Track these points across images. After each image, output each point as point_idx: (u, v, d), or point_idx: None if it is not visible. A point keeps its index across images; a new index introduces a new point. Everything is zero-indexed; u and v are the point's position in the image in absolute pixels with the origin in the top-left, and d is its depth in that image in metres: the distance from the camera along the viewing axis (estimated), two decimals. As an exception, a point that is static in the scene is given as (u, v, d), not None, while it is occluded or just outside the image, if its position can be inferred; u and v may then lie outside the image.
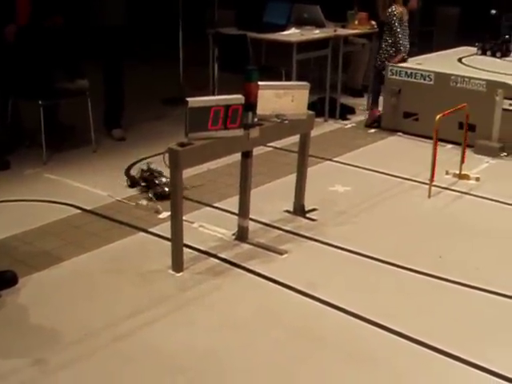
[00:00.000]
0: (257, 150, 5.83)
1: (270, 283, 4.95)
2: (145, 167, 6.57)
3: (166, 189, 6.10)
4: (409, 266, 5.23)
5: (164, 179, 6.28)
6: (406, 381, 3.96)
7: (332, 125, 9.19)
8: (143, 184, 6.46)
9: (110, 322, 4.39)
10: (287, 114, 5.39)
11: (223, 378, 3.91)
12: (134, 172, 6.82)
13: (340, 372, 4.00)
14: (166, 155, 4.85)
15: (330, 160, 7.66)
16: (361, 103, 10.22)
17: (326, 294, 4.79)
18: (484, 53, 9.93)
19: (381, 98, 9.29)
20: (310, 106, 5.84)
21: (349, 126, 9.25)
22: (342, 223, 5.95)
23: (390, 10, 8.99)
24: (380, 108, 9.25)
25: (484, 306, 4.78)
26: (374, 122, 9.06)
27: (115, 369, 3.97)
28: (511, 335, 4.44)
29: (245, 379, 3.90)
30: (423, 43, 12.13)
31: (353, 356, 4.16)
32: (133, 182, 6.63)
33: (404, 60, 9.03)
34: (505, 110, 8.18)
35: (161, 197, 6.19)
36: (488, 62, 9.38)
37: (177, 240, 5.04)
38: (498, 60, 9.66)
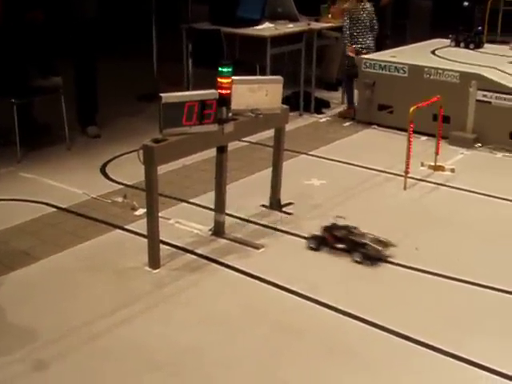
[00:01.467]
0: (232, 145, 5.83)
1: (248, 278, 4.95)
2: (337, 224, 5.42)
3: (379, 247, 5.18)
4: (386, 258, 5.24)
5: (370, 237, 5.26)
6: (384, 372, 3.97)
7: (307, 119, 9.19)
8: (340, 246, 5.26)
9: (88, 320, 4.37)
10: (261, 108, 5.39)
11: (202, 374, 3.91)
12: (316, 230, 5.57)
13: (320, 365, 4.01)
14: (141, 152, 4.82)
15: (306, 154, 7.67)
16: (335, 97, 10.23)
17: (303, 288, 4.79)
18: (457, 44, 9.99)
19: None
20: (285, 101, 5.85)
21: (324, 119, 9.27)
22: (318, 217, 5.95)
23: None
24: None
25: (461, 296, 4.82)
26: (348, 117, 9.13)
27: (94, 366, 3.95)
28: (489, 325, 4.47)
29: (224, 374, 3.90)
30: (397, 36, 12.16)
31: (332, 349, 4.17)
32: (320, 243, 5.37)
33: (359, 52, 9.07)
34: (478, 101, 8.24)
35: (375, 259, 5.17)
36: (461, 53, 9.44)
37: (153, 237, 5.02)
38: (471, 51, 9.72)
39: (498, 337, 4.33)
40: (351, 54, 9.09)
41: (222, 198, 5.47)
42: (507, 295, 4.81)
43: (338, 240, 5.27)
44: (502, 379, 3.91)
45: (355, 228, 5.33)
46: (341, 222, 5.38)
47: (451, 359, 4.09)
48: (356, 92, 9.25)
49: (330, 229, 5.36)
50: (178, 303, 4.62)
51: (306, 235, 5.46)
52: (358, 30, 9.14)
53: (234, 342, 4.21)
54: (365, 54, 9.09)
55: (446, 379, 3.92)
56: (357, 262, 5.13)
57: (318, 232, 5.41)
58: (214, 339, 4.23)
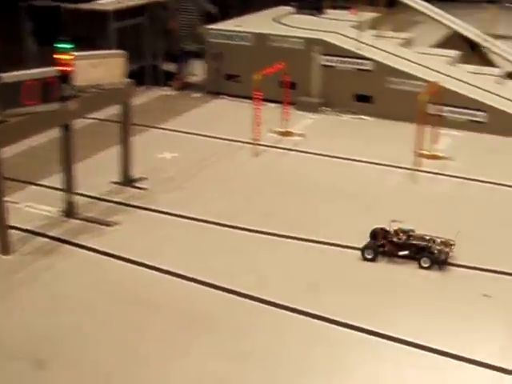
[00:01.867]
0: (80, 123, 5.71)
1: (103, 256, 4.88)
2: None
3: (448, 251, 4.92)
4: (239, 225, 5.31)
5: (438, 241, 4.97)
6: (245, 335, 4.03)
7: (156, 92, 9.10)
8: (404, 253, 4.91)
9: None
10: (105, 83, 5.31)
11: (64, 359, 3.83)
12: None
13: (181, 337, 4.02)
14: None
15: (156, 127, 7.61)
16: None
17: (159, 261, 4.77)
18: (300, 11, 10.17)
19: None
20: (132, 75, 5.77)
21: (172, 92, 9.21)
22: (171, 190, 5.94)
23: None
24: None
25: (313, 256, 4.95)
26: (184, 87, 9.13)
27: None
28: (341, 283, 4.62)
29: (84, 357, 3.84)
30: (242, 5, 12.20)
31: (190, 317, 4.19)
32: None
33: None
34: (323, 66, 8.43)
35: (444, 263, 4.92)
36: (305, 20, 9.62)
37: (1, 222, 4.85)
38: (314, 18, 9.93)
39: (346, 293, 4.48)
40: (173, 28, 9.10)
41: (70, 177, 5.35)
42: (351, 251, 4.98)
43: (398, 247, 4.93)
44: (355, 331, 4.07)
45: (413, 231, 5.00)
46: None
47: (308, 318, 4.21)
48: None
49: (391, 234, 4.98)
50: (33, 288, 4.50)
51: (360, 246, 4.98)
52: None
53: (93, 322, 4.15)
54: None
55: (306, 338, 4.03)
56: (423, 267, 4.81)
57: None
58: (72, 321, 4.15)
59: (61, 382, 3.65)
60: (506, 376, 3.79)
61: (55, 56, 4.93)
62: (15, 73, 4.82)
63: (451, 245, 4.89)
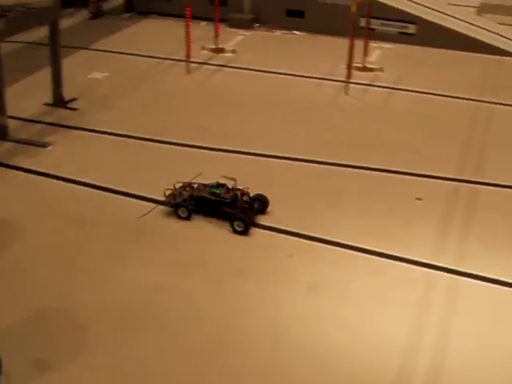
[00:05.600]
0: (9, 46, 5.62)
1: (39, 176, 4.89)
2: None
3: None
4: (174, 141, 5.35)
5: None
6: (178, 245, 4.12)
7: (84, 14, 8.92)
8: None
9: None
10: (32, 1, 5.21)
11: (2, 273, 3.86)
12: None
13: (117, 247, 4.12)
14: None
15: (86, 48, 7.51)
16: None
17: (95, 178, 4.82)
18: None
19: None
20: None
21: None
22: (103, 109, 5.92)
23: None
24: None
25: (246, 166, 5.05)
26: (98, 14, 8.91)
27: None
28: (273, 190, 4.70)
29: (24, 270, 3.89)
30: None
31: (128, 230, 4.30)
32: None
33: None
34: (253, -19, 8.35)
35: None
36: None
37: None
38: None
39: (283, 201, 4.59)
40: None
41: (1, 100, 5.28)
42: (287, 161, 5.09)
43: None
44: (291, 237, 4.19)
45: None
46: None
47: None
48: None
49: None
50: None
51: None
52: None
53: (31, 240, 4.19)
54: None
55: (240, 245, 4.12)
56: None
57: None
58: (12, 240, 4.18)
59: (10, 292, 3.68)
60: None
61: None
62: None
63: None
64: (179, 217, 4.40)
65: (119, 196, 4.64)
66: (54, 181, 4.84)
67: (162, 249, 4.09)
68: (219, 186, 4.47)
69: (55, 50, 5.63)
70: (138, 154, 5.20)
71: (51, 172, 4.92)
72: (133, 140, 5.40)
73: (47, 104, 5.90)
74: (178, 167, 5.01)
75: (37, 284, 3.78)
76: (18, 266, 3.93)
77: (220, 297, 3.67)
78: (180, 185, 4.47)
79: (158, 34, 8.02)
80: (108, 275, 3.86)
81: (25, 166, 5.00)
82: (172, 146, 5.32)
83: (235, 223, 4.24)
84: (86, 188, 4.74)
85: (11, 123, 5.45)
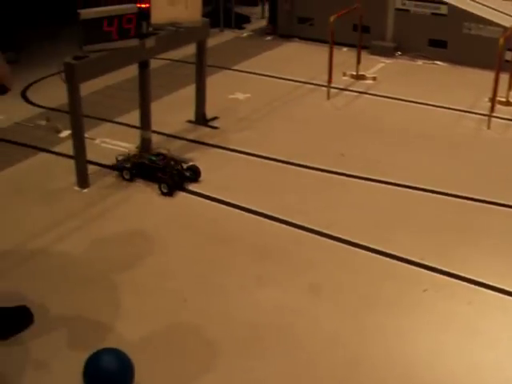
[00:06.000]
0: (154, 63, 5.79)
1: (178, 192, 4.98)
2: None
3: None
4: (312, 165, 5.35)
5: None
6: (313, 270, 4.09)
7: (228, 34, 9.15)
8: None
9: (23, 240, 4.36)
10: (182, 21, 5.35)
11: (138, 285, 3.95)
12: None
13: (254, 269, 4.10)
14: (63, 73, 4.73)
15: (229, 69, 7.66)
16: (255, 12, 10.17)
17: (233, 197, 4.86)
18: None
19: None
20: (205, 17, 5.79)
21: (245, 34, 9.23)
22: (244, 129, 6.01)
23: None
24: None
25: (385, 197, 4.97)
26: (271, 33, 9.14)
27: (31, 284, 3.96)
28: (410, 222, 4.63)
29: (160, 283, 3.96)
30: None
31: (263, 251, 4.27)
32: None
33: None
34: (398, 9, 8.32)
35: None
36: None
37: (80, 156, 4.99)
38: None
39: (419, 232, 4.50)
40: None
41: (147, 114, 5.44)
42: (427, 193, 4.98)
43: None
44: (426, 271, 4.09)
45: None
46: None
47: (378, 255, 4.24)
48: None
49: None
50: (110, 219, 4.64)
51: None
52: None
53: (168, 253, 4.26)
54: None
55: (374, 274, 4.07)
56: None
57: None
58: (149, 252, 4.28)
59: (138, 305, 3.76)
60: None
61: (135, -8, 4.97)
62: (94, 9, 4.88)
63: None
64: (123, 178, 5.08)
65: (256, 216, 4.67)
66: (193, 196, 4.92)
67: (296, 272, 4.08)
68: (158, 154, 5.13)
69: (201, 68, 5.76)
70: (275, 176, 5.23)
71: (190, 188, 5.00)
72: (271, 162, 5.43)
73: (189, 121, 6.03)
74: (315, 191, 5.00)
75: (170, 297, 3.84)
76: (151, 279, 3.99)
77: (353, 324, 3.62)
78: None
79: (299, 58, 8.08)
80: (241, 294, 3.88)
81: (165, 181, 5.08)
82: (309, 170, 5.32)
83: (162, 185, 4.88)
84: (223, 206, 4.79)
85: (154, 138, 5.59)
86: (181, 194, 4.94)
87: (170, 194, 4.90)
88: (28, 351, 3.44)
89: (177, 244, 4.36)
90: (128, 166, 5.15)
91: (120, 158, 5.25)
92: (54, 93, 6.00)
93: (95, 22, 4.75)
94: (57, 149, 5.65)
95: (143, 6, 5.00)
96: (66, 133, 5.82)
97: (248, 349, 3.45)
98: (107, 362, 3.10)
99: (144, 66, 5.29)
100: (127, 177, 5.12)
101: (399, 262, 4.18)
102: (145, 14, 5.03)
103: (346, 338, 3.52)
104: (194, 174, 5.13)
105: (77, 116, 4.86)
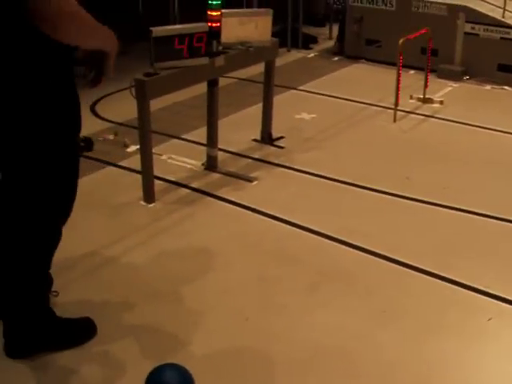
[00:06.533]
0: (222, 81, 5.83)
1: (242, 209, 5.01)
2: None
3: None
4: (377, 188, 5.33)
5: None
6: (375, 295, 4.06)
7: (295, 54, 9.20)
8: None
9: (89, 252, 4.43)
10: (251, 41, 5.40)
11: (200, 300, 3.98)
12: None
13: (316, 289, 4.10)
14: (133, 88, 4.81)
15: (295, 89, 7.69)
16: (322, 32, 10.20)
17: (296, 217, 4.87)
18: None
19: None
20: (273, 36, 5.84)
21: (312, 54, 9.27)
22: (309, 149, 6.02)
23: None
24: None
25: (450, 222, 4.91)
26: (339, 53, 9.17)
27: (97, 296, 4.02)
28: (475, 248, 4.57)
29: (222, 300, 3.99)
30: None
31: (326, 273, 4.26)
32: None
33: None
34: (466, 33, 8.25)
35: None
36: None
37: (147, 171, 5.07)
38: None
39: (484, 259, 4.43)
40: None
41: (214, 131, 5.51)
42: (493, 220, 4.91)
43: None
44: (490, 299, 4.03)
45: None
46: None
47: (439, 280, 4.19)
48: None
49: None
50: (174, 235, 4.69)
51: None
52: None
53: (231, 271, 4.29)
54: None
55: (437, 300, 4.02)
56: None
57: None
58: (211, 268, 4.31)
59: (200, 322, 3.79)
60: None
61: (207, 12, 5.03)
62: (166, 27, 4.97)
63: None
64: None
65: (319, 237, 4.67)
66: (257, 215, 4.94)
67: (358, 295, 4.06)
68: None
69: (269, 88, 5.80)
70: (340, 197, 5.23)
71: (254, 206, 5.03)
72: (335, 183, 5.43)
73: (255, 140, 6.07)
74: (378, 214, 4.98)
75: (231, 315, 3.86)
76: (214, 296, 4.02)
77: (415, 351, 3.58)
78: None
79: (365, 80, 8.08)
80: (302, 314, 3.88)
81: (230, 198, 5.14)
82: (373, 193, 5.29)
83: None
84: (287, 226, 4.80)
85: (220, 156, 5.65)
86: (245, 213, 4.96)
87: None
88: (90, 363, 3.49)
89: (240, 262, 4.38)
90: None
91: None
92: (122, 108, 6.12)
93: (166, 39, 4.82)
94: (124, 163, 5.74)
95: (214, 25, 5.06)
96: (133, 148, 5.92)
97: (307, 370, 3.45)
98: (169, 377, 3.13)
99: (213, 84, 5.36)
100: None
101: (463, 289, 4.12)
102: (215, 33, 5.09)
103: (407, 365, 3.49)
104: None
105: (145, 132, 4.94)
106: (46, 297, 3.58)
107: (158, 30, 4.79)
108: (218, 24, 5.09)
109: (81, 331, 3.69)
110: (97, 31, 3.02)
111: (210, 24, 5.04)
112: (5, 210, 3.30)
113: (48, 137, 3.14)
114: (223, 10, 5.12)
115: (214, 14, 5.06)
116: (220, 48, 5.22)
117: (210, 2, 5.04)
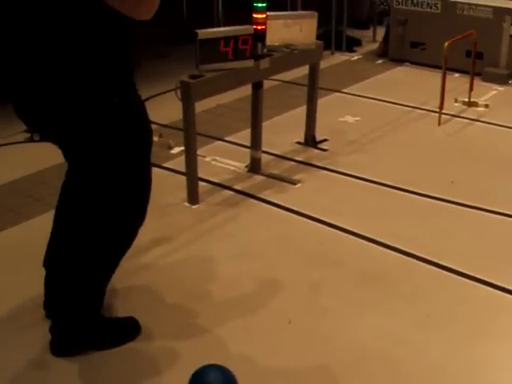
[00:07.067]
0: (265, 84, 5.83)
1: (285, 212, 5.01)
2: None
3: None
4: (421, 192, 5.29)
5: None
6: (420, 299, 4.04)
7: (339, 57, 9.16)
8: None
9: (133, 253, 4.45)
10: (296, 43, 5.40)
11: (244, 302, 4.00)
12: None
13: (359, 293, 4.09)
14: (178, 90, 4.85)
15: (339, 91, 7.67)
16: (367, 35, 10.15)
17: (340, 220, 4.86)
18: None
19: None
20: (317, 39, 5.84)
21: (355, 57, 9.23)
22: (353, 152, 6.00)
23: None
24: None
25: (496, 227, 4.86)
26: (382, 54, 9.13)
27: (138, 298, 4.06)
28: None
29: (265, 302, 3.99)
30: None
31: (369, 276, 4.24)
32: None
33: None
34: (512, 36, 8.15)
35: None
36: (495, -12, 9.28)
37: (191, 173, 5.10)
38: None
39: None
40: None
41: (258, 134, 5.52)
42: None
43: None
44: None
45: None
46: None
47: (489, 288, 4.14)
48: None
49: None
50: (218, 236, 4.71)
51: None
52: None
53: (274, 273, 4.29)
54: None
55: (483, 307, 3.98)
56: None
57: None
58: (255, 270, 4.32)
59: (245, 324, 3.80)
60: None
61: (253, 14, 5.04)
62: (211, 29, 5.00)
63: None
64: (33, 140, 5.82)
65: (362, 241, 4.65)
66: (300, 218, 4.94)
67: (404, 300, 4.03)
68: None
69: (313, 90, 5.80)
70: (383, 201, 5.20)
71: (298, 209, 5.03)
72: (379, 186, 5.40)
73: (298, 142, 6.07)
74: (423, 218, 4.94)
75: (274, 317, 3.88)
76: (257, 298, 4.07)
77: (462, 357, 3.55)
78: None
79: (409, 83, 8.02)
80: (345, 318, 3.87)
81: (273, 200, 5.15)
82: (417, 197, 5.26)
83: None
84: (329, 228, 4.80)
85: (264, 158, 5.66)
86: (288, 215, 4.96)
87: None
88: (133, 362, 3.52)
89: (283, 264, 4.39)
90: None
91: None
92: (166, 110, 6.15)
93: (212, 42, 4.85)
94: (168, 164, 5.77)
95: (259, 27, 5.07)
96: (177, 149, 5.96)
97: (351, 373, 3.44)
98: (213, 378, 3.14)
99: (257, 87, 5.37)
100: (36, 138, 5.93)
101: (509, 295, 4.07)
102: (260, 36, 5.10)
103: (453, 370, 3.46)
104: None
105: (190, 133, 4.97)
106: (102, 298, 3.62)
107: (204, 33, 4.81)
108: (264, 27, 5.10)
109: (125, 331, 3.72)
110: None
111: (255, 26, 5.05)
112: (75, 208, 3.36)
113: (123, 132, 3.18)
114: (268, 13, 5.13)
115: (260, 16, 5.06)
116: (265, 50, 5.22)
117: (255, 4, 5.05)
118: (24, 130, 6.10)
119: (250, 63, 5.04)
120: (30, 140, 6.13)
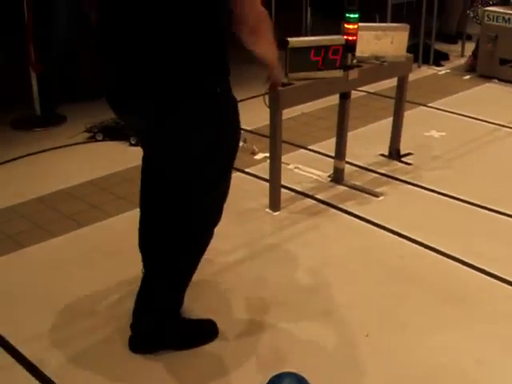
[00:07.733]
0: (352, 94, 5.83)
1: (367, 224, 4.99)
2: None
3: None
4: (507, 212, 5.19)
5: None
6: (502, 321, 3.96)
7: (426, 71, 9.07)
8: None
9: (212, 258, 4.50)
10: (386, 55, 5.38)
11: (324, 313, 3.99)
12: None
13: (438, 311, 4.04)
14: (266, 96, 4.87)
15: (425, 105, 7.60)
16: (455, 49, 10.02)
17: (422, 236, 4.81)
18: None
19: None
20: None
21: (443, 72, 9.12)
22: (437, 168, 5.93)
23: None
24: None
25: None
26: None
27: (216, 301, 4.09)
28: None
29: (346, 313, 3.98)
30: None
31: (451, 296, 4.19)
32: None
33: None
34: None
35: None
36: None
37: (275, 180, 5.12)
38: None
39: None
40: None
41: (342, 144, 5.51)
42: None
43: None
44: None
45: None
46: None
47: None
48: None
49: None
50: (298, 244, 4.72)
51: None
52: None
53: (354, 286, 4.28)
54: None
55: None
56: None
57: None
58: (334, 281, 4.31)
59: (331, 334, 3.80)
60: None
61: (344, 25, 5.04)
62: (302, 38, 5.03)
63: None
64: (96, 140, 6.08)
65: (444, 258, 4.59)
66: (381, 231, 4.91)
67: (484, 321, 3.97)
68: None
69: (400, 103, 5.76)
70: (467, 219, 5.13)
71: (379, 222, 4.99)
72: (463, 203, 5.32)
73: (382, 155, 6.03)
74: (509, 240, 4.85)
75: (352, 329, 3.87)
76: (335, 308, 4.04)
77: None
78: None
79: (497, 100, 7.89)
80: (425, 334, 3.83)
81: (355, 212, 5.13)
82: (503, 217, 5.16)
83: (131, 138, 5.82)
84: (411, 243, 4.75)
85: (347, 169, 5.65)
86: (370, 227, 4.94)
87: (137, 144, 5.42)
88: (207, 365, 3.56)
89: (363, 277, 4.37)
90: (96, 130, 6.17)
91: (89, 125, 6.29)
92: (251, 115, 6.14)
93: (303, 50, 4.87)
94: (251, 170, 5.81)
95: (350, 38, 5.06)
96: (261, 155, 6.00)
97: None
98: (291, 385, 3.15)
99: (345, 97, 5.37)
100: (100, 138, 6.12)
101: None
102: (351, 46, 5.09)
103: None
104: None
105: (276, 141, 4.99)
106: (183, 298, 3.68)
107: (295, 41, 4.84)
108: (355, 37, 5.09)
109: (203, 333, 3.76)
110: (271, 40, 3.19)
111: (346, 37, 5.05)
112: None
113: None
114: (360, 24, 5.12)
115: (352, 27, 5.06)
116: (354, 61, 5.21)
117: (347, 15, 5.05)
118: (84, 131, 6.25)
119: (339, 73, 5.04)
120: (93, 139, 6.26)
